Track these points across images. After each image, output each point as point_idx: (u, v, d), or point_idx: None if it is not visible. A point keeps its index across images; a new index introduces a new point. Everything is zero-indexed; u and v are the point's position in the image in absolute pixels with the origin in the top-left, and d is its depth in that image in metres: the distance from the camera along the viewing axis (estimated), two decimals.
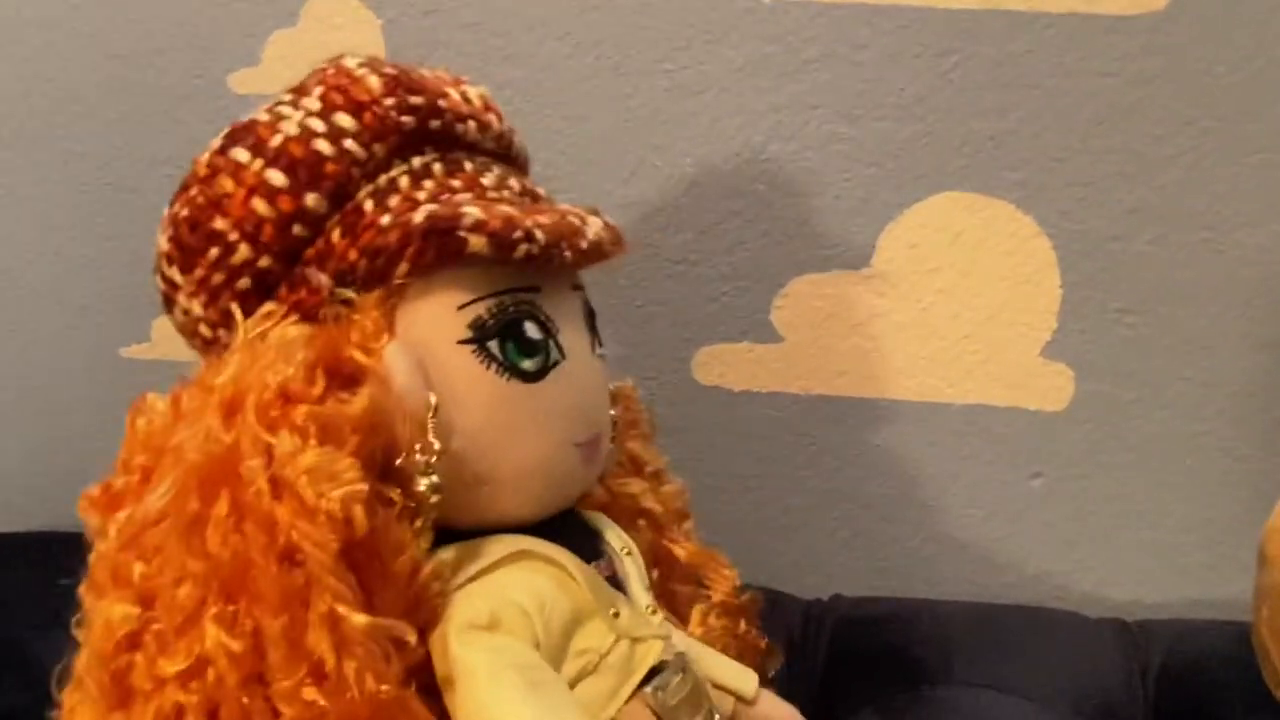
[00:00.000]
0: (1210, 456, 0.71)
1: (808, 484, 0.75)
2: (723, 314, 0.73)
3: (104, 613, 0.34)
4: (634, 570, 0.42)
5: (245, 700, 0.33)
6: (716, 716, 0.41)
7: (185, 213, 0.41)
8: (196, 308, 0.41)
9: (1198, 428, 0.70)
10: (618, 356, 0.75)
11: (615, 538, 0.43)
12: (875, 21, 0.66)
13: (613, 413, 0.45)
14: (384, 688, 0.32)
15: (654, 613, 0.41)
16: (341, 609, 0.33)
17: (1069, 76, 0.65)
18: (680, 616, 0.47)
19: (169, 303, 0.43)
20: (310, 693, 0.32)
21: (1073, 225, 0.68)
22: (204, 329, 0.42)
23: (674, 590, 0.48)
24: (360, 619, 0.33)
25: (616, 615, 0.39)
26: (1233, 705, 0.58)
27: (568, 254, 0.39)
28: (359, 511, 0.34)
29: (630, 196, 0.71)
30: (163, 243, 0.42)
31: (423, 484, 0.37)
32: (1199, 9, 0.64)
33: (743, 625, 0.49)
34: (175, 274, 0.41)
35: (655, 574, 0.46)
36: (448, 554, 0.38)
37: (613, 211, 0.71)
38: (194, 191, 0.41)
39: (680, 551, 0.48)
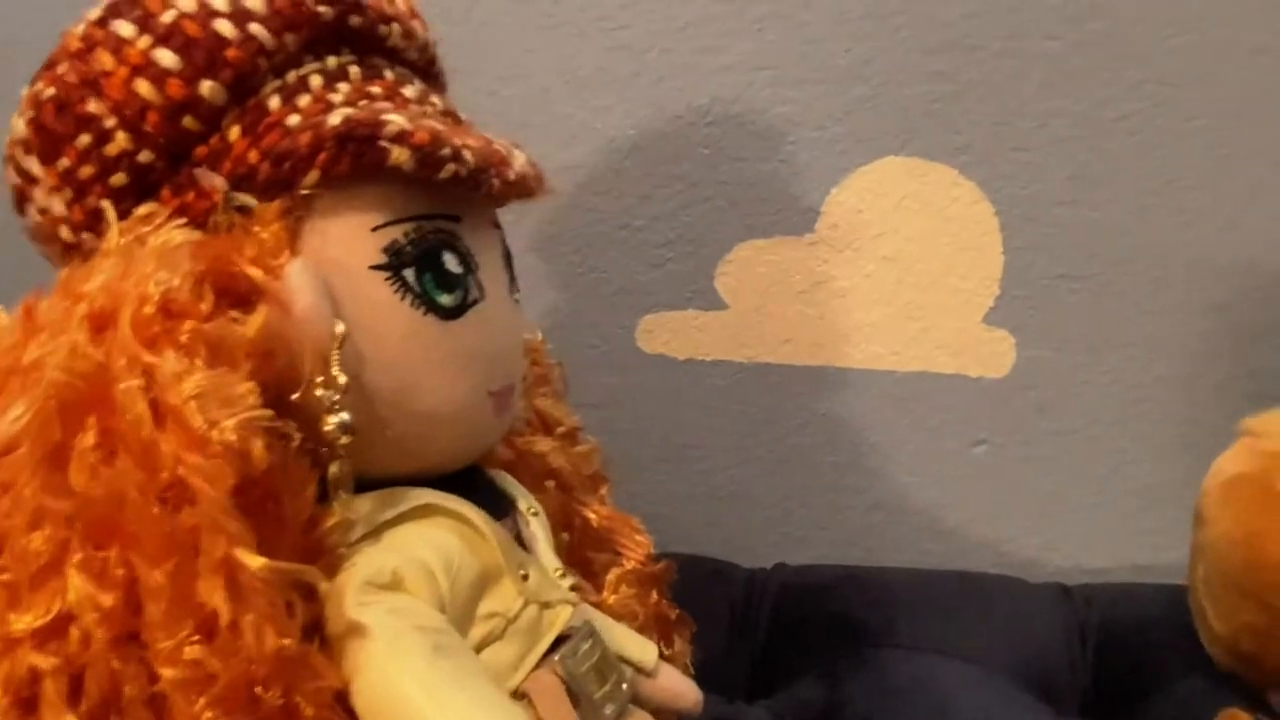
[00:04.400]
0: (1152, 421, 0.71)
1: (753, 453, 0.74)
2: (667, 281, 0.71)
3: None
4: (540, 532, 0.40)
5: (116, 664, 0.28)
6: (625, 685, 0.39)
7: (51, 92, 0.35)
8: (58, 205, 0.35)
9: (1139, 393, 0.70)
10: (560, 324, 0.74)
11: (521, 498, 0.41)
12: None
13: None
14: (285, 642, 0.29)
15: (562, 576, 0.39)
16: (240, 554, 0.29)
17: (1012, 40, 0.65)
18: (593, 583, 0.45)
19: (22, 199, 0.37)
20: (197, 651, 0.28)
21: (1015, 191, 0.67)
22: (65, 232, 0.36)
23: (588, 556, 0.46)
24: (260, 563, 0.29)
25: (526, 577, 0.37)
26: (1170, 666, 0.58)
27: (495, 182, 0.36)
28: (258, 443, 0.30)
29: (571, 160, 0.70)
30: (19, 127, 0.36)
31: (331, 422, 0.33)
32: None
33: (654, 595, 0.47)
34: (33, 164, 0.35)
35: (566, 538, 0.44)
36: (345, 500, 0.34)
37: (554, 175, 0.70)
38: (63, 68, 0.35)
39: (592, 516, 0.46)
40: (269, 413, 0.31)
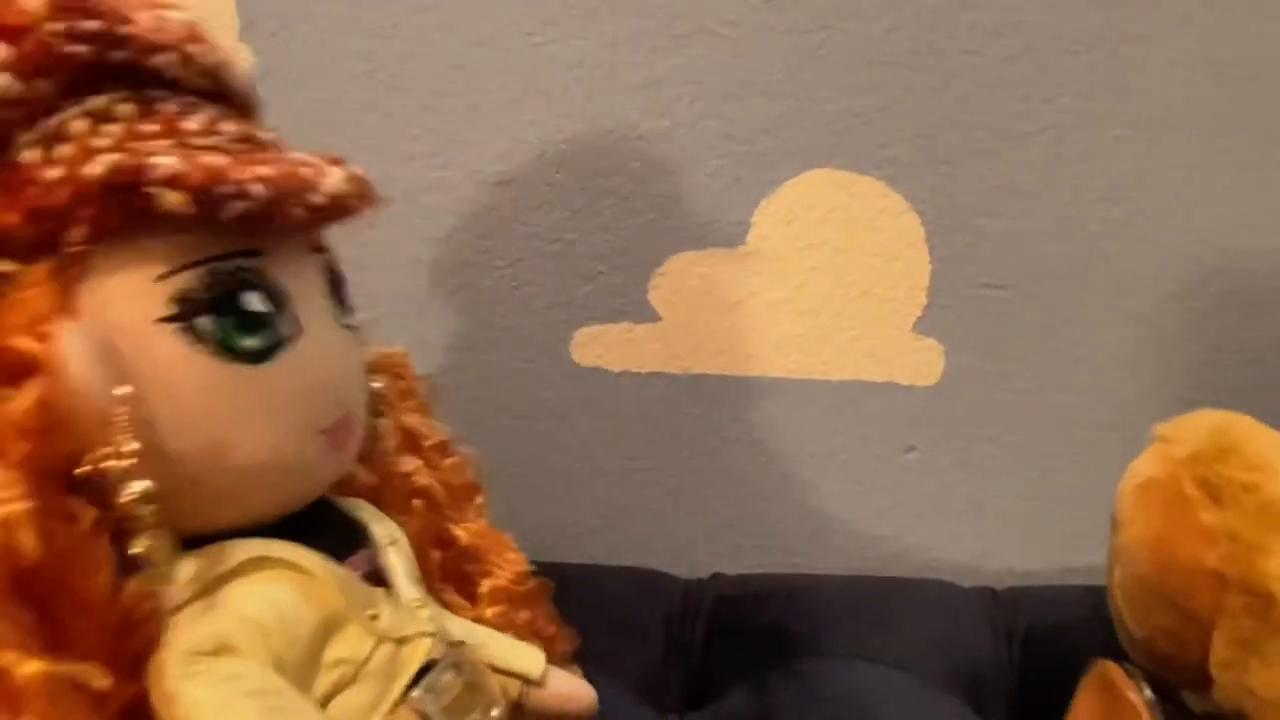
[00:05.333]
0: (1079, 426, 0.72)
1: (689, 464, 0.74)
2: (600, 294, 0.72)
3: None
4: (399, 562, 0.38)
5: None
6: (495, 711, 0.38)
7: None
8: None
9: (1065, 399, 0.72)
10: (494, 339, 0.74)
11: (379, 527, 0.39)
12: None
13: (378, 385, 0.41)
14: None
15: (421, 607, 0.38)
16: (8, 657, 0.27)
17: (931, 55, 0.66)
18: (473, 599, 0.44)
19: None
20: None
21: (940, 202, 0.68)
22: None
23: (465, 570, 0.45)
24: (33, 667, 0.27)
25: (375, 617, 0.35)
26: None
27: (297, 211, 0.34)
28: (26, 535, 0.28)
29: (503, 174, 0.70)
30: None
31: (130, 492, 0.31)
32: None
33: (525, 614, 0.46)
34: None
35: (438, 556, 0.43)
36: (165, 567, 0.32)
37: (484, 191, 0.72)
38: None
39: (461, 533, 0.45)
40: (28, 506, 0.29)
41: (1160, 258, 0.69)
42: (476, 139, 0.69)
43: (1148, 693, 0.47)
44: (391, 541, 0.39)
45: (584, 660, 0.61)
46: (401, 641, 0.36)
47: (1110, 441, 0.72)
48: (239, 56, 0.41)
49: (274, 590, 0.34)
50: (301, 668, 0.33)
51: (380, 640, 0.35)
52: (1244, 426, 0.49)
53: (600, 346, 0.73)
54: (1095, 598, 0.61)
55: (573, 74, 0.68)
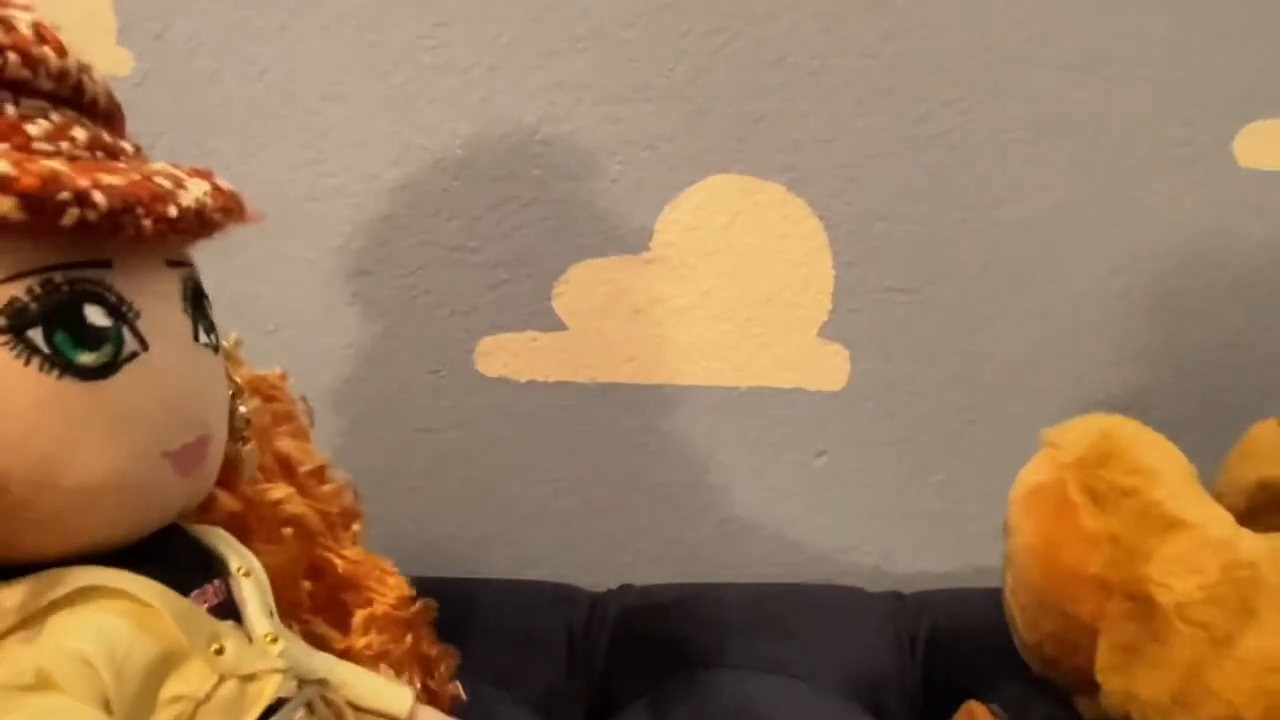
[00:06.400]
0: (984, 427, 0.73)
1: (599, 473, 0.73)
2: (503, 302, 0.70)
3: None
4: (253, 594, 0.37)
5: None
6: None
7: None
8: None
9: (970, 400, 0.72)
10: (396, 349, 0.72)
11: (234, 556, 0.38)
12: (640, 0, 0.65)
13: (244, 409, 0.40)
14: None
15: (274, 641, 0.36)
16: None
17: (830, 58, 0.66)
18: (347, 629, 0.43)
19: None
20: None
21: (842, 206, 0.68)
22: None
23: (341, 599, 0.44)
24: None
25: (220, 652, 0.34)
26: (995, 670, 0.60)
27: (146, 222, 0.32)
28: None
29: (399, 180, 0.68)
30: None
31: None
32: None
33: (409, 639, 0.44)
34: None
35: (309, 586, 0.42)
36: None
37: (381, 196, 0.70)
38: None
39: (338, 562, 0.44)
40: None
41: (1059, 259, 0.70)
42: (369, 144, 0.67)
43: None
44: (246, 572, 0.37)
45: (487, 677, 0.60)
46: (249, 678, 0.34)
47: (1015, 442, 0.73)
48: (93, 61, 0.39)
49: (104, 622, 0.32)
50: (133, 705, 0.31)
51: (224, 677, 0.34)
52: (1127, 431, 0.49)
53: (505, 356, 0.71)
54: (1001, 600, 0.62)
55: (468, 77, 0.66)
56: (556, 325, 0.71)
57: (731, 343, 0.71)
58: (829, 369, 0.71)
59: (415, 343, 0.71)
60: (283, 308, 0.69)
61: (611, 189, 0.68)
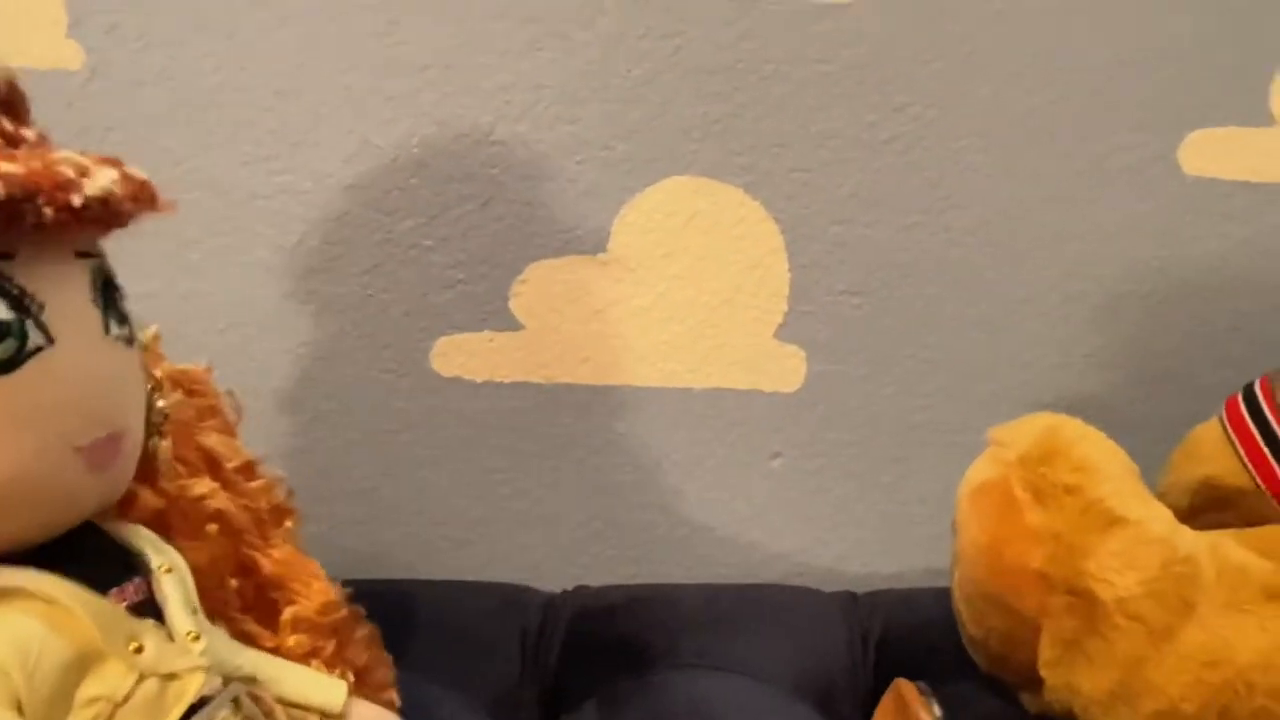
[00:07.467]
0: (936, 429, 0.74)
1: (555, 474, 0.73)
2: (460, 302, 0.70)
3: None
4: (174, 591, 0.36)
5: None
6: None
7: None
8: None
9: (923, 401, 0.73)
10: (350, 349, 0.71)
11: (154, 553, 0.37)
12: (596, 1, 0.65)
13: (163, 404, 0.39)
14: None
15: (196, 639, 0.36)
16: None
17: (785, 63, 0.66)
18: (275, 628, 0.42)
19: None
20: None
21: (798, 209, 0.69)
22: None
23: (271, 598, 0.43)
24: None
25: (139, 650, 0.33)
26: (945, 668, 0.60)
27: (47, 211, 0.32)
28: None
29: (353, 179, 0.67)
30: None
31: None
32: None
33: (331, 646, 0.43)
34: None
35: (236, 583, 0.42)
36: None
37: (337, 194, 0.70)
38: None
39: (265, 562, 0.43)
40: None
41: (1010, 263, 0.71)
42: (324, 142, 0.66)
43: (938, 711, 0.48)
44: (168, 569, 0.37)
45: (440, 680, 0.60)
46: (170, 677, 0.34)
47: (967, 443, 0.73)
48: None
49: (18, 622, 0.31)
50: (48, 707, 0.31)
51: (144, 675, 0.33)
52: (1070, 430, 0.50)
53: (462, 356, 0.71)
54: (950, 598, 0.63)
55: (423, 76, 0.66)
56: (513, 325, 0.70)
57: (687, 344, 0.71)
58: (785, 370, 0.72)
59: (370, 342, 0.70)
60: (235, 306, 0.68)
61: (568, 190, 0.68)
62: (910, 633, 0.63)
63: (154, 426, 0.39)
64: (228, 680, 0.36)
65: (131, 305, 0.38)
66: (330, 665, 0.42)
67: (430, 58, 0.66)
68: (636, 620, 0.61)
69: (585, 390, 0.72)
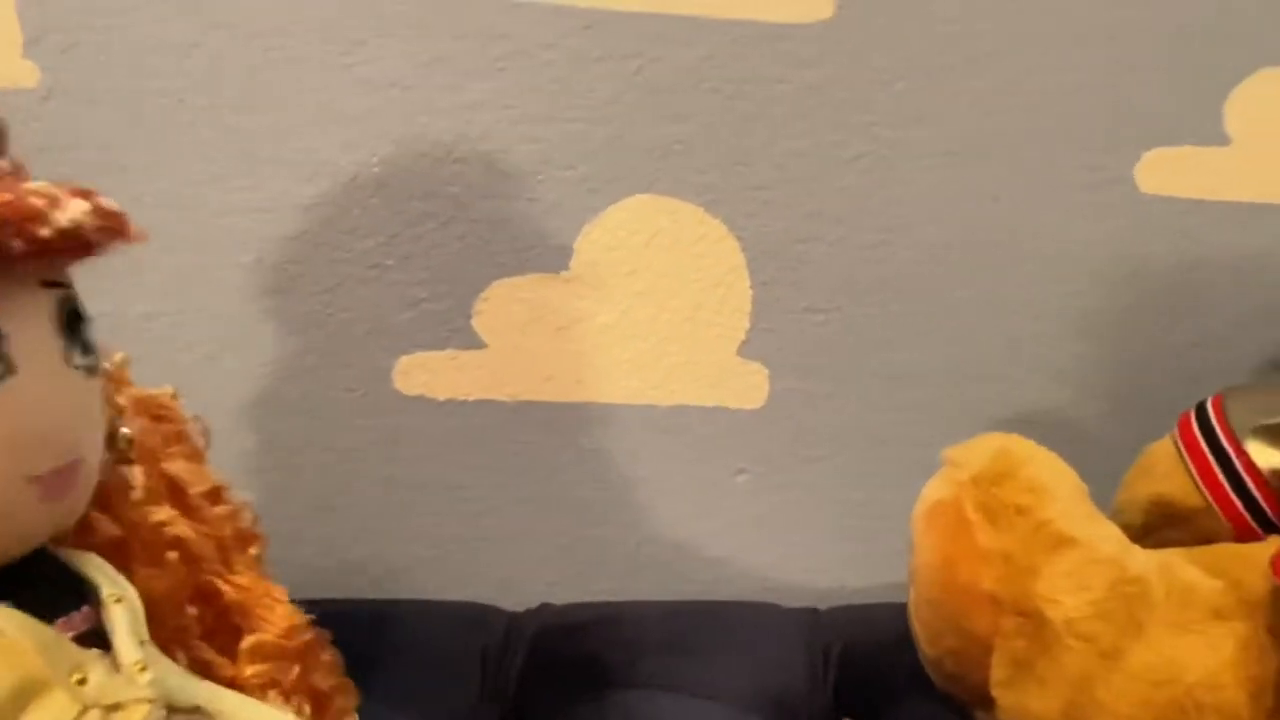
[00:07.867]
0: (899, 444, 0.74)
1: (520, 492, 0.73)
2: (422, 321, 0.70)
3: None
4: (123, 620, 0.36)
5: None
6: None
7: None
8: None
9: (885, 417, 0.73)
10: (312, 368, 0.71)
11: (105, 582, 0.37)
12: (559, 21, 0.65)
13: (127, 430, 0.39)
14: None
15: (143, 669, 0.35)
16: None
17: (747, 82, 0.66)
18: (234, 656, 0.42)
19: None
20: None
21: (759, 227, 0.69)
22: None
23: (234, 625, 0.43)
24: None
25: (83, 682, 0.33)
26: (904, 685, 0.61)
27: (16, 243, 0.32)
28: None
29: (314, 197, 0.67)
30: None
31: None
32: (864, 19, 0.66)
33: (294, 670, 0.43)
34: None
35: (195, 611, 0.41)
36: None
37: (296, 214, 0.69)
38: None
39: (226, 588, 0.43)
40: None
41: (971, 280, 0.72)
42: (285, 160, 0.66)
43: None
44: (118, 599, 0.36)
45: (399, 701, 0.59)
46: (113, 708, 0.34)
47: (931, 461, 0.74)
48: None
49: None
50: None
51: (87, 707, 0.33)
52: (1022, 450, 0.51)
53: (424, 374, 0.71)
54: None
55: (385, 95, 0.66)
56: (476, 344, 0.70)
57: (651, 361, 0.71)
58: (748, 387, 0.72)
59: (332, 361, 0.70)
60: (194, 326, 0.68)
61: (531, 208, 0.68)
62: (872, 649, 0.63)
63: (120, 454, 0.39)
64: (173, 711, 0.36)
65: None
66: (291, 693, 0.42)
67: (393, 77, 0.65)
68: (597, 640, 0.61)
69: (549, 408, 0.72)
